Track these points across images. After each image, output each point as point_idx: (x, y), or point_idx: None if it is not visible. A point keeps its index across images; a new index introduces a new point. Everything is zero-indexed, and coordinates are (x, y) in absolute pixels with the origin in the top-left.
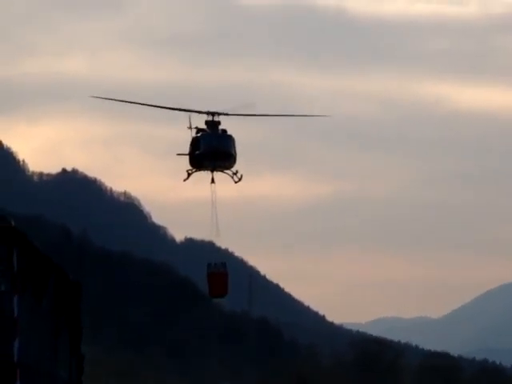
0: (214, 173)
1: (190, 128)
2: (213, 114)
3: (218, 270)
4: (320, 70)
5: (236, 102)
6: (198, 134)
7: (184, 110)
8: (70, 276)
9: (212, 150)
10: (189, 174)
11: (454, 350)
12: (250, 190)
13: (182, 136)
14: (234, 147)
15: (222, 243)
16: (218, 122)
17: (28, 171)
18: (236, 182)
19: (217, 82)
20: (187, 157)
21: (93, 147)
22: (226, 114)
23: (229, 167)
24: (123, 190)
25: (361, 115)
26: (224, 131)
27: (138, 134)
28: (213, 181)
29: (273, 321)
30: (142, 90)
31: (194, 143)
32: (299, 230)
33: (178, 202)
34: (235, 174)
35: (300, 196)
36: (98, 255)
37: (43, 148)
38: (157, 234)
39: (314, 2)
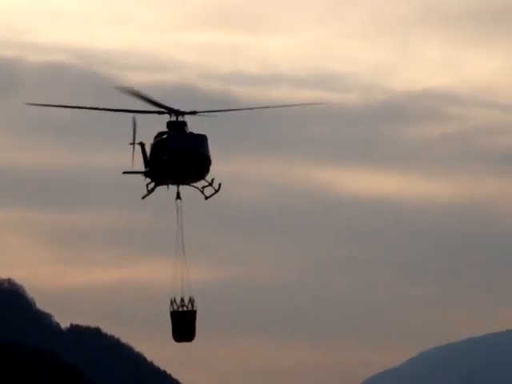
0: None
1: (134, 143)
2: (177, 113)
3: (185, 307)
4: None
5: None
6: (163, 136)
7: (141, 112)
8: None
9: (185, 153)
10: (150, 190)
11: None
12: (136, 275)
13: (66, 221)
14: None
15: (108, 329)
16: (184, 123)
17: None
18: (207, 198)
19: (101, 168)
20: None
21: None
22: (194, 113)
23: (202, 176)
24: (7, 277)
25: (247, 201)
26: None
27: (21, 220)
28: (178, 196)
29: None
30: (24, 175)
31: (158, 148)
32: None
33: (63, 287)
34: (211, 183)
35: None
36: None
37: None
38: (42, 321)
39: (198, 86)
